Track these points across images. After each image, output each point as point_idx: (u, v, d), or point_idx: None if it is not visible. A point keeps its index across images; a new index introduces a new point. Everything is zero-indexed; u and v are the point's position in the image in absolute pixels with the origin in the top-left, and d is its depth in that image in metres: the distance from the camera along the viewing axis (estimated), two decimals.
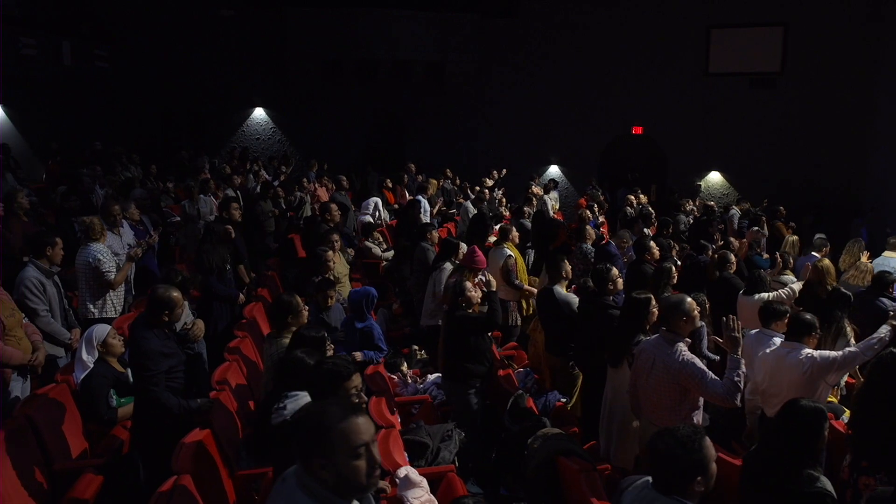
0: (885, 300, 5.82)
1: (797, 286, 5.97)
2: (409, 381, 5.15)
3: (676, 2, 14.37)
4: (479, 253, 5.46)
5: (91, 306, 5.14)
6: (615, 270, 4.75)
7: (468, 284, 4.48)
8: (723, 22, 14.26)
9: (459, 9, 14.93)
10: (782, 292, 5.90)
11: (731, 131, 14.49)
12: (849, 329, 5.29)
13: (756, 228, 10.15)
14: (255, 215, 7.48)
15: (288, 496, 1.81)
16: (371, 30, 14.67)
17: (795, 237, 8.34)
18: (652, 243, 6.41)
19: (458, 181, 13.19)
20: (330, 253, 5.38)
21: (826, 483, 2.76)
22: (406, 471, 3.12)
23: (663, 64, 14.52)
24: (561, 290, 5.05)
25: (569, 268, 5.22)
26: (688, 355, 3.55)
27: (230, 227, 5.74)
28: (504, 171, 13.43)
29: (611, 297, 4.68)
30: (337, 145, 15.00)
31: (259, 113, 15.46)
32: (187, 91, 14.52)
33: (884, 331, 4.09)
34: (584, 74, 14.92)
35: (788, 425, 2.88)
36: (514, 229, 6.66)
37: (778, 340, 4.56)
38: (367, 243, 9.16)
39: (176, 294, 3.63)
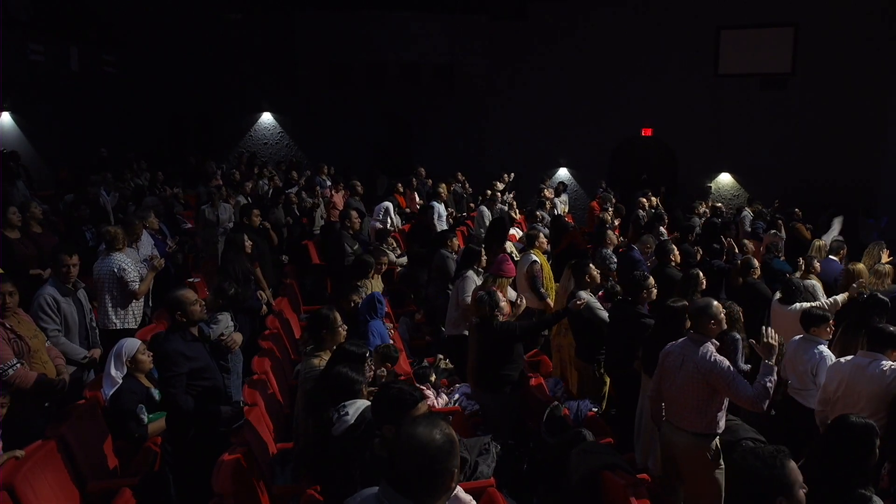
0: None
1: (841, 297, 5.86)
2: (439, 391, 5.06)
3: (686, 3, 14.29)
4: (509, 261, 5.38)
5: (114, 317, 5.06)
6: (651, 279, 4.67)
7: (500, 295, 4.40)
8: (733, 23, 14.18)
9: (468, 11, 14.88)
10: (825, 302, 5.80)
11: (742, 132, 14.41)
12: None
13: (773, 231, 10.06)
14: (271, 224, 7.39)
15: None
16: (379, 33, 14.62)
17: (823, 242, 8.22)
18: (674, 247, 6.32)
19: (467, 185, 13.11)
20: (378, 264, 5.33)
21: (878, 502, 2.67)
22: (454, 490, 3.03)
23: (673, 65, 14.44)
24: (584, 294, 4.98)
25: (594, 273, 5.14)
26: (718, 356, 3.56)
27: (246, 237, 5.64)
28: (512, 175, 13.35)
29: (642, 306, 4.60)
30: (345, 149, 14.91)
31: (266, 117, 15.38)
32: (195, 96, 14.44)
33: None
34: (593, 76, 14.84)
35: (838, 442, 2.80)
36: (541, 235, 6.54)
37: (822, 347, 4.51)
38: (381, 248, 9.09)
39: (186, 293, 3.62)
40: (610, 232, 7.34)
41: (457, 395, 5.01)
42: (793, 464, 2.13)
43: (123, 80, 13.48)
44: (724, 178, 15.09)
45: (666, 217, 10.48)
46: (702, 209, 11.64)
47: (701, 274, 5.68)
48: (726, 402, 3.66)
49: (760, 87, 14.28)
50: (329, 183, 11.47)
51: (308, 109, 15.01)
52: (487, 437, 4.12)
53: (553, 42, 14.95)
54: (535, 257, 6.17)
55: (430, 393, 5.00)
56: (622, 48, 14.59)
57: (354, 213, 7.07)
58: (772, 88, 14.21)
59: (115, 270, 5.01)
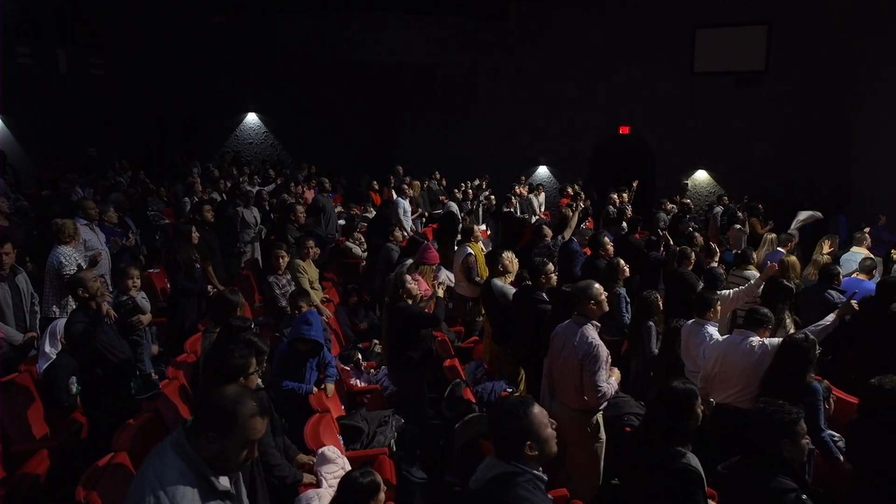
0: (832, 292, 5.99)
1: (754, 282, 6.10)
2: (364, 372, 5.39)
3: (662, 2, 14.51)
4: (432, 250, 5.69)
5: (54, 306, 5.24)
6: (550, 266, 4.94)
7: (408, 277, 4.70)
8: (708, 21, 14.38)
9: (449, 12, 15.17)
10: (740, 288, 6.06)
11: (718, 130, 14.61)
12: (789, 321, 5.47)
13: (738, 227, 10.35)
14: (227, 218, 7.74)
15: (164, 461, 2.03)
16: (361, 34, 14.95)
17: (773, 235, 8.48)
18: (606, 239, 6.60)
19: (443, 182, 13.43)
20: (283, 251, 5.61)
21: (692, 459, 2.93)
22: (324, 449, 3.36)
23: (650, 64, 14.66)
24: (498, 282, 5.26)
25: (506, 262, 5.41)
26: (595, 340, 3.75)
27: (193, 229, 5.99)
28: (483, 180, 13.64)
29: (543, 292, 4.86)
30: (329, 148, 15.30)
31: (252, 118, 15.79)
32: (181, 97, 14.88)
33: (830, 319, 4.27)
34: (571, 75, 15.11)
35: (662, 405, 3.07)
36: (475, 228, 6.87)
37: (712, 329, 4.75)
38: (347, 244, 9.47)
39: (83, 273, 3.99)
40: (545, 227, 7.70)
41: (380, 375, 5.33)
42: (536, 409, 2.32)
43: (111, 82, 13.90)
44: (701, 175, 15.29)
45: (628, 212, 10.80)
46: (668, 206, 11.92)
47: (622, 263, 5.98)
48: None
49: (735, 85, 14.47)
50: (302, 179, 11.86)
51: (292, 110, 15.40)
52: (389, 410, 4.44)
53: (532, 42, 15.24)
54: (470, 250, 6.48)
55: (353, 372, 5.34)
56: (600, 48, 14.85)
57: (300, 208, 7.43)
58: (746, 86, 14.39)
59: (54, 263, 5.23)
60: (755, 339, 4.11)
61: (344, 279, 8.64)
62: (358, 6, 14.70)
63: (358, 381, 5.26)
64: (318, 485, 3.15)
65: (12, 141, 11.80)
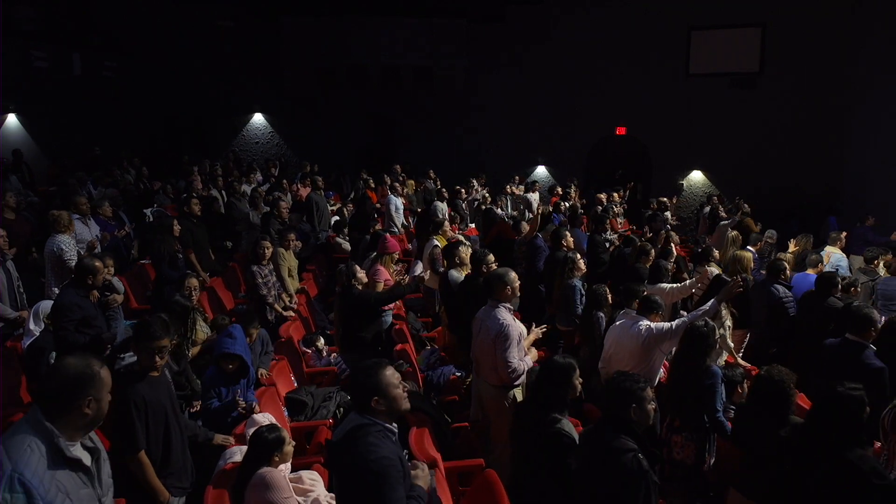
0: (778, 287, 6.25)
1: (690, 281, 6.38)
2: (324, 355, 5.80)
3: (657, 4, 14.70)
4: (390, 240, 6.11)
5: (56, 290, 5.63)
6: (491, 256, 5.30)
7: (357, 267, 5.10)
8: (703, 23, 14.54)
9: (448, 15, 15.54)
10: (690, 282, 6.37)
11: (713, 131, 14.76)
12: (725, 312, 5.74)
13: (724, 222, 10.59)
14: (214, 213, 8.19)
15: (19, 435, 2.07)
16: (362, 37, 15.43)
17: (735, 233, 8.74)
18: (565, 232, 6.92)
19: (439, 182, 13.80)
20: (267, 242, 6.04)
21: (565, 424, 3.26)
22: (256, 415, 3.78)
23: (646, 65, 14.87)
24: (455, 273, 5.63)
25: (463, 255, 5.76)
26: (506, 320, 4.08)
27: (175, 221, 6.45)
28: (480, 180, 13.99)
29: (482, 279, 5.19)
30: (332, 148, 15.78)
31: (258, 118, 16.36)
32: (190, 98, 15.50)
33: (710, 304, 4.54)
34: (569, 77, 15.36)
35: (543, 378, 3.41)
36: (446, 222, 7.24)
37: (644, 322, 5.05)
38: (337, 239, 9.90)
39: (97, 262, 4.43)
40: (524, 223, 8.03)
41: (338, 358, 5.73)
42: (389, 371, 2.60)
43: (123, 84, 14.55)
44: (696, 176, 15.44)
45: (615, 211, 11.09)
46: (656, 205, 12.17)
47: (577, 257, 6.32)
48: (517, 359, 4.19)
49: (730, 87, 14.60)
50: (298, 178, 12.37)
51: (296, 111, 15.93)
52: (335, 387, 4.84)
53: (530, 44, 15.52)
54: (436, 242, 6.87)
55: (314, 355, 5.76)
56: (597, 50, 15.08)
57: (283, 204, 7.87)
58: (741, 87, 14.52)
59: (55, 250, 5.75)
60: (643, 324, 4.41)
61: (329, 273, 9.09)
62: (358, 10, 15.16)
63: (318, 362, 5.67)
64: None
65: (28, 140, 12.49)
